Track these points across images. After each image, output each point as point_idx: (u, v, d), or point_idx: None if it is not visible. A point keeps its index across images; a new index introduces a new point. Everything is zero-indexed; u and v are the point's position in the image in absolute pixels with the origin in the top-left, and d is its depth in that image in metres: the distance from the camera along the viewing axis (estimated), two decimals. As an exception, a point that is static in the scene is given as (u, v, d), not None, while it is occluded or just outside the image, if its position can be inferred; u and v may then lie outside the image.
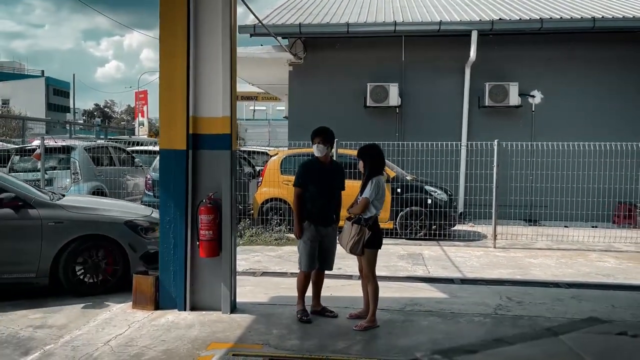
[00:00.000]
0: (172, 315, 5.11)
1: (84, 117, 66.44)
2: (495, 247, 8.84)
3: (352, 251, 4.84)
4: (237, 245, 5.97)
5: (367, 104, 12.28)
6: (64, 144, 10.27)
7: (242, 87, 24.12)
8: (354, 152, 9.80)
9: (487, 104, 11.97)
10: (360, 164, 4.99)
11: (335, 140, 9.13)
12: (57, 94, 68.34)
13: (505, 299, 5.87)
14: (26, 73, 72.21)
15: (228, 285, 5.18)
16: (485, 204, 9.69)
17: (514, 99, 11.85)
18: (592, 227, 10.36)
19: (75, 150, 10.04)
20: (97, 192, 10.06)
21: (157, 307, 5.29)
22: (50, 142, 10.14)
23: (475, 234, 10.21)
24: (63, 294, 5.79)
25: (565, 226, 10.08)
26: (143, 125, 32.30)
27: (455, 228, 10.14)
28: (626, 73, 11.81)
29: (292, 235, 9.39)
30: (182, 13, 5.09)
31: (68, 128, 36.02)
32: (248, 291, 6.10)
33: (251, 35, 12.00)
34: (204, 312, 5.18)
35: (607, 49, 11.71)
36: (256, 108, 45.56)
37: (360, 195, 4.87)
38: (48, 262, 5.65)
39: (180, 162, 5.18)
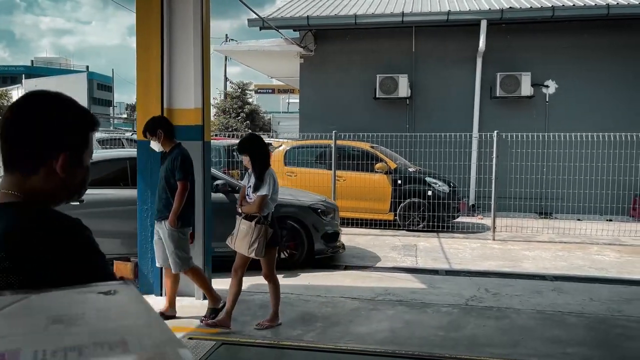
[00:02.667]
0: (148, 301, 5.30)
1: (127, 111, 68.49)
2: (494, 240, 8.72)
3: (257, 254, 4.38)
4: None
5: (377, 96, 12.24)
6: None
7: (276, 80, 24.36)
8: (354, 144, 10.01)
9: (498, 94, 11.73)
10: (246, 160, 4.50)
11: (335, 131, 9.43)
12: (101, 88, 70.64)
13: (482, 290, 5.83)
14: (71, 68, 74.85)
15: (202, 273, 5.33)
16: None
17: (526, 89, 11.58)
18: (607, 220, 10.08)
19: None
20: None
21: (136, 292, 5.50)
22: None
23: (481, 226, 10.07)
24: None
25: (578, 219, 9.84)
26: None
27: (462, 220, 10.05)
28: (643, 61, 11.36)
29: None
30: (156, 5, 5.24)
31: (110, 121, 37.20)
32: (223, 280, 6.26)
33: (260, 29, 12.13)
34: (178, 298, 5.34)
35: (623, 36, 11.27)
36: (290, 101, 45.96)
37: (254, 193, 4.39)
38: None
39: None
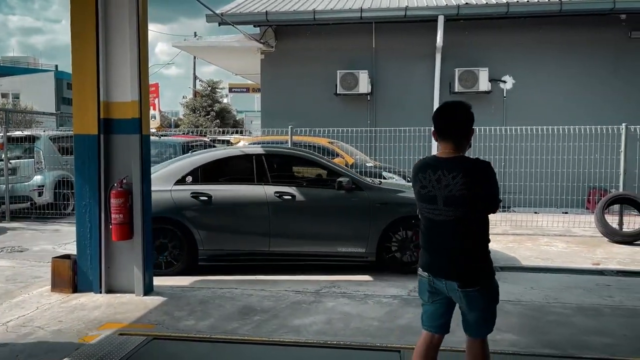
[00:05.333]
0: (85, 298, 5.19)
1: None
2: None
3: None
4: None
5: (338, 92, 12.27)
6: (28, 133, 10.42)
7: (244, 79, 24.14)
8: (312, 139, 9.98)
9: (457, 89, 11.85)
10: None
11: (291, 126, 9.39)
12: (71, 87, 69.04)
13: (427, 281, 5.86)
14: (40, 67, 73.11)
15: (141, 268, 5.24)
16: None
17: (484, 84, 11.73)
18: (563, 213, 10.26)
19: (40, 140, 10.19)
20: (63, 181, 10.22)
21: (75, 290, 5.38)
22: (16, 132, 10.30)
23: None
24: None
25: (535, 212, 9.99)
26: (154, 119, 32.73)
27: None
28: (596, 56, 11.62)
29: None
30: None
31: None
32: (177, 277, 6.20)
33: (219, 24, 12.02)
34: (117, 295, 5.26)
35: (576, 32, 11.52)
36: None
37: None
38: (375, 240, 6.13)
39: (92, 147, 5.24)
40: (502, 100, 12.01)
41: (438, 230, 2.74)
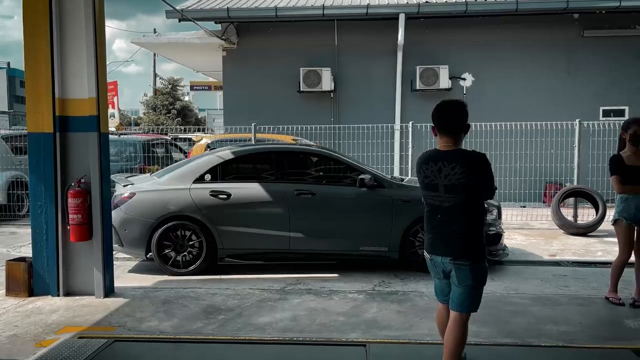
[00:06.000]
0: (42, 302, 5.02)
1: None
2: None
3: None
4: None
5: (301, 89, 12.24)
6: (-22, 133, 10.00)
7: (206, 76, 23.76)
8: (276, 136, 9.95)
9: (418, 87, 12.01)
10: None
11: (254, 124, 9.33)
12: (24, 85, 66.45)
13: (392, 275, 5.93)
14: (-11, 65, 70.14)
15: (100, 270, 5.11)
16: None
17: (444, 82, 11.93)
18: (522, 206, 10.53)
19: (-9, 139, 9.80)
20: (17, 182, 9.85)
21: (31, 294, 5.20)
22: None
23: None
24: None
25: (494, 206, 10.22)
26: (114, 117, 31.95)
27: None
28: (551, 54, 11.97)
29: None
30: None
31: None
32: (137, 276, 6.08)
33: (179, 21, 11.81)
34: (76, 297, 5.11)
35: (532, 30, 11.84)
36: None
37: None
38: (398, 238, 5.96)
39: (48, 145, 5.07)
40: (462, 97, 12.22)
41: (439, 215, 3.11)
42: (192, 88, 35.68)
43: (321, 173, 6.62)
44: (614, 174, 4.81)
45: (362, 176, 6.05)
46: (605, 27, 11.82)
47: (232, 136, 10.29)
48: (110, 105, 33.49)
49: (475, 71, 12.22)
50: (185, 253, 6.05)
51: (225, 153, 6.54)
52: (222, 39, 12.20)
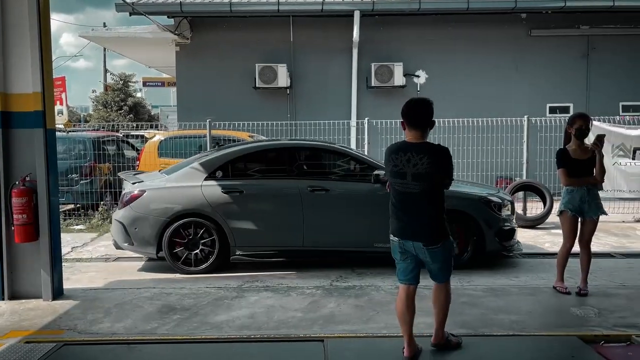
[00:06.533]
0: (-15, 306, 4.79)
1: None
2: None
3: None
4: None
5: (257, 85, 12.16)
6: None
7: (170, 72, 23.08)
8: (232, 133, 9.83)
9: (374, 84, 12.14)
10: None
11: (209, 120, 9.18)
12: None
13: (349, 270, 5.97)
14: None
15: (48, 272, 4.91)
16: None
17: (399, 79, 12.10)
18: (474, 201, 10.78)
19: None
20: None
21: (-26, 298, 4.95)
22: None
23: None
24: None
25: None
26: (62, 114, 30.80)
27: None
28: (500, 52, 12.35)
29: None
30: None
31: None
32: (88, 277, 5.91)
33: (130, 14, 11.49)
34: (23, 301, 4.90)
35: (483, 29, 12.17)
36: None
37: None
38: None
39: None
40: (416, 94, 12.41)
41: (407, 201, 3.49)
42: (144, 84, 34.84)
43: (334, 169, 6.53)
44: (561, 167, 5.00)
45: (376, 172, 5.91)
46: (552, 27, 12.28)
47: (186, 133, 10.09)
48: (57, 102, 32.34)
49: (428, 68, 12.45)
50: (197, 251, 5.94)
51: (237, 149, 6.47)
52: (175, 34, 11.96)
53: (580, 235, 5.05)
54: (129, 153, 11.32)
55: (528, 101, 11.94)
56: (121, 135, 12.42)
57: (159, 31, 12.12)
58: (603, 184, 5.13)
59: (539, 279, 5.65)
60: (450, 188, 6.20)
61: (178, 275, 5.91)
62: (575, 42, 12.40)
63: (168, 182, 6.15)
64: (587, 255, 5.09)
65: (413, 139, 3.48)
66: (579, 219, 5.02)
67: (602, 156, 4.96)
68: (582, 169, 4.94)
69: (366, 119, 9.42)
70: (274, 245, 6.04)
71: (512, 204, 6.46)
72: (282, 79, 12.07)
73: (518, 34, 12.36)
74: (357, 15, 11.52)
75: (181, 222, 5.89)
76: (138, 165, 9.89)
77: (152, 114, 35.06)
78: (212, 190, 5.95)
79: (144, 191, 6.02)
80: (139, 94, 36.58)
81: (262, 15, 12.07)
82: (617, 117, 10.12)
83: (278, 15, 11.94)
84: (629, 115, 10.94)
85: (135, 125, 12.62)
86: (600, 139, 4.97)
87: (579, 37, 12.38)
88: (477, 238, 5.94)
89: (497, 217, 5.98)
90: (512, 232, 6.18)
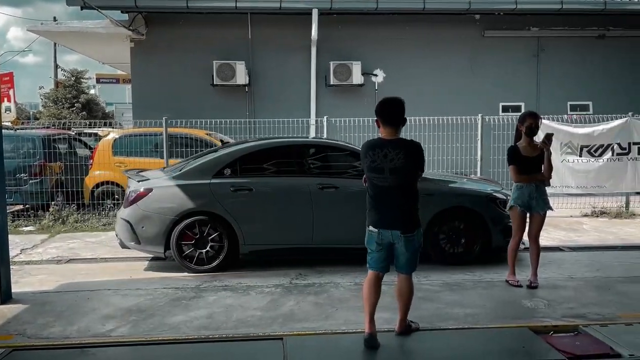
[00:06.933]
0: None
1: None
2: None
3: None
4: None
5: (215, 82, 12.00)
6: None
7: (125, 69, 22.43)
8: (190, 131, 9.69)
9: (332, 82, 12.18)
10: None
11: (165, 117, 9.02)
12: None
13: (309, 269, 5.98)
14: None
15: (-5, 275, 4.73)
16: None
17: (357, 77, 12.18)
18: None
19: None
20: None
21: None
22: None
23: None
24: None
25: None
26: (10, 111, 29.54)
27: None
28: (456, 52, 12.60)
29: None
30: None
31: None
32: (39, 280, 5.70)
33: (82, 8, 11.14)
34: (-28, 305, 4.70)
35: (438, 29, 12.39)
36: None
37: None
38: (421, 232, 5.64)
39: None
40: (374, 93, 12.55)
41: (385, 194, 3.74)
42: (98, 81, 33.83)
43: (343, 167, 6.48)
44: (512, 163, 5.17)
45: None
46: (504, 28, 12.64)
47: (142, 131, 9.89)
48: (5, 99, 31.00)
49: (386, 67, 12.60)
50: (207, 249, 5.86)
51: (245, 147, 6.40)
52: (129, 30, 11.66)
53: (529, 230, 5.24)
54: (82, 151, 10.99)
55: (482, 100, 12.23)
56: (73, 133, 12.05)
57: (112, 26, 11.77)
58: (551, 180, 5.33)
59: (492, 272, 5.81)
60: (456, 186, 6.40)
61: (134, 276, 5.79)
62: (526, 43, 12.81)
63: (175, 180, 6.05)
64: (536, 249, 5.28)
65: (388, 136, 3.73)
66: (528, 214, 5.20)
67: (550, 154, 5.16)
68: (531, 166, 5.12)
69: (325, 117, 9.46)
70: (283, 243, 6.01)
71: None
72: (241, 77, 11.96)
73: (472, 35, 12.67)
74: (315, 14, 11.52)
75: (190, 220, 5.82)
76: (91, 165, 9.62)
77: (107, 111, 34.15)
78: (221, 188, 5.90)
79: (151, 189, 5.92)
80: (92, 91, 35.55)
81: (220, 12, 11.92)
82: (565, 116, 10.52)
83: (236, 12, 11.82)
84: (577, 115, 11.41)
85: (88, 123, 12.26)
86: (548, 137, 5.17)
87: (529, 38, 12.80)
88: (483, 234, 6.06)
89: (502, 213, 6.02)
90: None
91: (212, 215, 5.86)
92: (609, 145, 9.30)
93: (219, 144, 9.73)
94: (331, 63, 12.10)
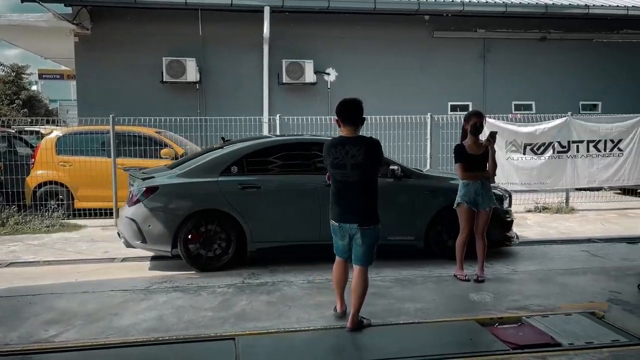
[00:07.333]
0: None
1: None
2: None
3: None
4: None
5: (164, 79, 11.74)
6: None
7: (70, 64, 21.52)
8: (138, 129, 9.45)
9: (285, 80, 12.16)
10: None
11: (112, 115, 8.76)
12: None
13: (261, 268, 5.96)
14: None
15: None
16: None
17: (310, 76, 12.20)
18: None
19: None
20: None
21: None
22: None
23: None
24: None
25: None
26: None
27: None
28: (406, 52, 12.84)
29: (68, 221, 8.66)
30: None
31: None
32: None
33: (22, 1, 10.66)
34: None
35: (390, 29, 12.58)
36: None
37: None
38: (423, 228, 6.10)
39: None
40: (326, 91, 12.62)
41: (346, 189, 3.99)
42: (40, 77, 32.40)
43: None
44: (458, 161, 5.32)
45: (392, 167, 6.04)
46: (452, 29, 12.97)
47: (88, 129, 9.56)
48: None
49: (338, 66, 12.69)
50: (216, 247, 5.86)
51: (251, 145, 6.34)
52: (73, 24, 11.25)
53: (476, 226, 5.41)
54: (23, 150, 10.53)
55: (432, 99, 12.51)
56: (14, 131, 11.53)
57: (55, 20, 11.29)
58: (497, 177, 5.52)
59: (441, 267, 5.96)
60: (455, 182, 6.31)
61: (80, 279, 5.60)
62: (473, 44, 13.19)
63: (181, 178, 6.00)
64: (483, 244, 5.46)
65: (348, 134, 3.98)
66: (475, 211, 5.36)
67: (494, 151, 5.34)
68: (477, 164, 5.29)
69: (278, 115, 9.43)
70: (290, 240, 6.01)
71: (511, 196, 6.79)
72: (191, 74, 11.76)
73: (422, 35, 12.93)
74: (267, 11, 11.47)
75: (197, 218, 5.78)
76: (33, 164, 9.23)
77: (50, 108, 32.81)
78: (229, 185, 5.90)
79: (157, 187, 5.83)
80: (34, 87, 34.07)
81: (169, 8, 11.66)
82: (510, 115, 10.92)
83: (186, 9, 11.61)
84: (520, 114, 11.87)
85: (30, 120, 11.75)
86: (492, 135, 5.35)
87: (476, 39, 13.19)
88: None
89: (501, 209, 6.23)
90: (512, 223, 6.54)
91: (220, 213, 5.86)
92: (550, 143, 9.71)
93: (170, 142, 9.56)
94: (284, 61, 12.08)
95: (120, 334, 4.03)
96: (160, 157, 9.26)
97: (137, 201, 5.80)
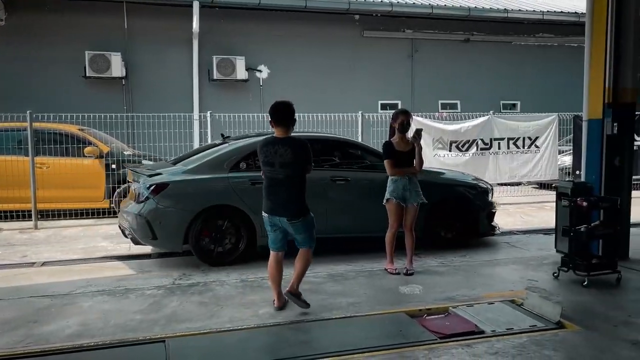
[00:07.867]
0: None
1: None
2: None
3: None
4: None
5: (87, 74, 11.26)
6: None
7: None
8: (59, 126, 8.98)
9: (216, 77, 12.00)
10: None
11: (29, 112, 8.27)
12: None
13: (193, 268, 5.85)
14: None
15: None
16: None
17: (241, 72, 12.11)
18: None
19: None
20: None
21: None
22: None
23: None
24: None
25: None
26: None
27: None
28: (337, 51, 13.04)
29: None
30: None
31: None
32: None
33: None
34: None
35: (321, 28, 12.74)
36: None
37: None
38: (422, 220, 6.10)
39: None
40: (258, 88, 12.56)
41: (275, 185, 4.26)
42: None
43: (353, 160, 6.71)
44: (387, 158, 5.46)
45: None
46: (381, 29, 13.28)
47: (2, 125, 8.95)
48: None
49: (270, 64, 12.67)
50: (226, 242, 5.90)
51: (259, 141, 6.01)
52: (-15, 13, 10.51)
53: (404, 220, 5.57)
54: None
55: (363, 98, 12.77)
56: None
57: (-37, 9, 10.54)
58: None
59: (374, 262, 6.08)
60: (448, 176, 7.01)
61: (13, 284, 5.24)
62: (401, 44, 13.58)
63: (190, 174, 5.96)
64: (411, 238, 5.64)
65: (280, 134, 4.25)
66: (403, 206, 5.52)
67: (420, 148, 5.52)
68: (404, 160, 5.45)
69: (209, 112, 9.28)
70: None
71: (492, 189, 7.24)
72: (117, 69, 11.34)
73: (352, 34, 13.15)
74: (196, 6, 11.27)
75: (208, 214, 5.80)
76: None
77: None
78: (240, 181, 5.95)
79: (167, 184, 5.78)
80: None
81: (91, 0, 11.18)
82: (437, 114, 11.33)
83: (110, 1, 11.17)
84: (446, 112, 12.35)
85: None
86: (418, 132, 5.54)
87: (404, 39, 13.58)
88: (472, 220, 6.70)
89: (488, 201, 6.80)
90: (494, 214, 7.00)
91: (231, 209, 5.89)
92: (474, 141, 10.18)
93: (94, 140, 9.16)
94: (214, 57, 11.91)
95: (41, 342, 3.81)
96: (84, 156, 8.87)
97: (147, 198, 5.74)
